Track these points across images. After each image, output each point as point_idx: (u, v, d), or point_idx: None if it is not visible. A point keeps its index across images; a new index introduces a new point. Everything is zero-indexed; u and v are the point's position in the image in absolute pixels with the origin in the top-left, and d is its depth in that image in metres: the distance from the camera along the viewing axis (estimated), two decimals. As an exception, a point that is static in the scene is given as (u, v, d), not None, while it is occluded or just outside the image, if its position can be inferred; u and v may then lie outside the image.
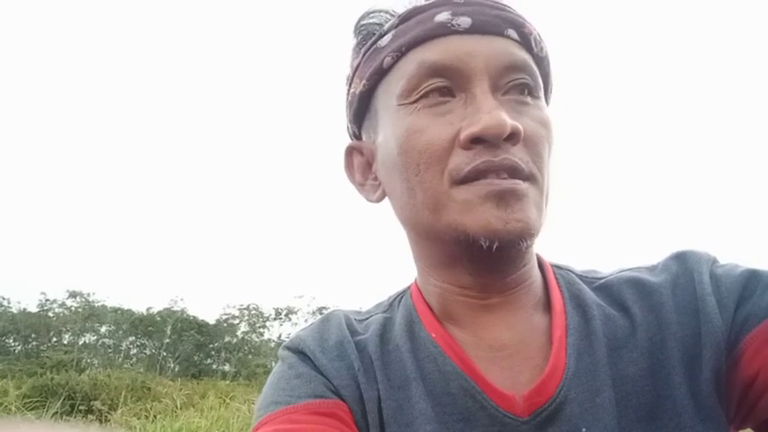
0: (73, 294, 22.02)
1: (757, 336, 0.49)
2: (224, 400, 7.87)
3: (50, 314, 21.54)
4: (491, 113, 0.50)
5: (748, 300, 0.51)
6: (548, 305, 0.58)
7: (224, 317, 23.46)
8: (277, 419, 0.52)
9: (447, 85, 0.53)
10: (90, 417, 7.51)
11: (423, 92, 0.53)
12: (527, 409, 0.51)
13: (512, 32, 0.54)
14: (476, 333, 0.56)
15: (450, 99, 0.53)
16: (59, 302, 21.94)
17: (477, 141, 0.50)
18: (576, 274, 0.62)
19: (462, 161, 0.51)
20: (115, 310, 22.25)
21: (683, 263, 0.57)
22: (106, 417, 7.06)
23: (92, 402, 8.34)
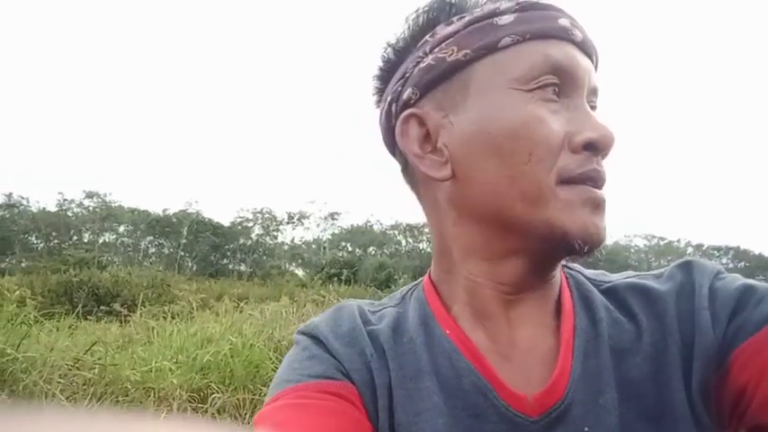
0: (90, 195, 22.43)
1: (745, 350, 0.51)
2: (238, 305, 8.15)
3: (69, 213, 22.08)
4: (603, 125, 0.53)
5: (740, 314, 0.53)
6: (558, 306, 0.59)
7: (238, 219, 23.96)
8: (287, 396, 0.53)
9: (559, 85, 0.54)
10: (109, 317, 7.87)
11: (540, 84, 0.54)
12: (537, 409, 0.53)
13: (594, 59, 0.58)
14: (495, 330, 0.57)
15: (557, 99, 0.55)
16: (77, 202, 22.42)
17: (587, 148, 0.53)
18: (586, 276, 0.63)
19: (573, 163, 0.53)
20: (132, 211, 22.76)
21: (688, 273, 0.58)
22: (126, 318, 7.37)
23: (111, 304, 8.69)
